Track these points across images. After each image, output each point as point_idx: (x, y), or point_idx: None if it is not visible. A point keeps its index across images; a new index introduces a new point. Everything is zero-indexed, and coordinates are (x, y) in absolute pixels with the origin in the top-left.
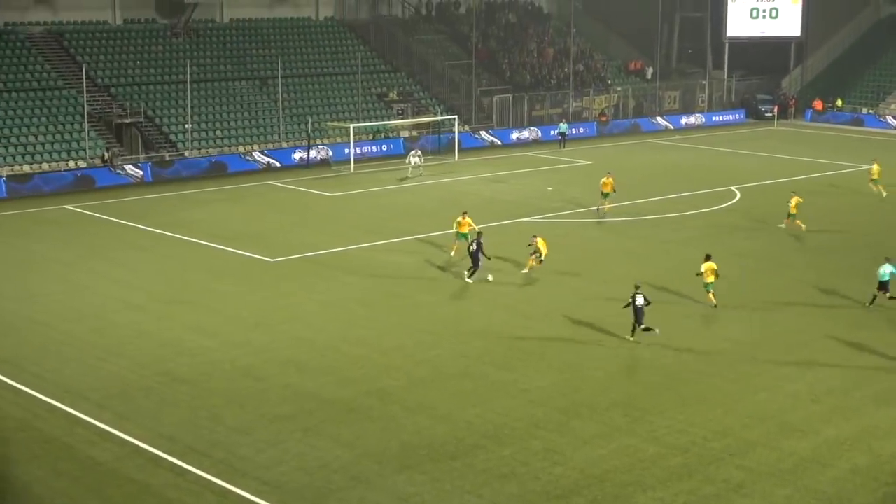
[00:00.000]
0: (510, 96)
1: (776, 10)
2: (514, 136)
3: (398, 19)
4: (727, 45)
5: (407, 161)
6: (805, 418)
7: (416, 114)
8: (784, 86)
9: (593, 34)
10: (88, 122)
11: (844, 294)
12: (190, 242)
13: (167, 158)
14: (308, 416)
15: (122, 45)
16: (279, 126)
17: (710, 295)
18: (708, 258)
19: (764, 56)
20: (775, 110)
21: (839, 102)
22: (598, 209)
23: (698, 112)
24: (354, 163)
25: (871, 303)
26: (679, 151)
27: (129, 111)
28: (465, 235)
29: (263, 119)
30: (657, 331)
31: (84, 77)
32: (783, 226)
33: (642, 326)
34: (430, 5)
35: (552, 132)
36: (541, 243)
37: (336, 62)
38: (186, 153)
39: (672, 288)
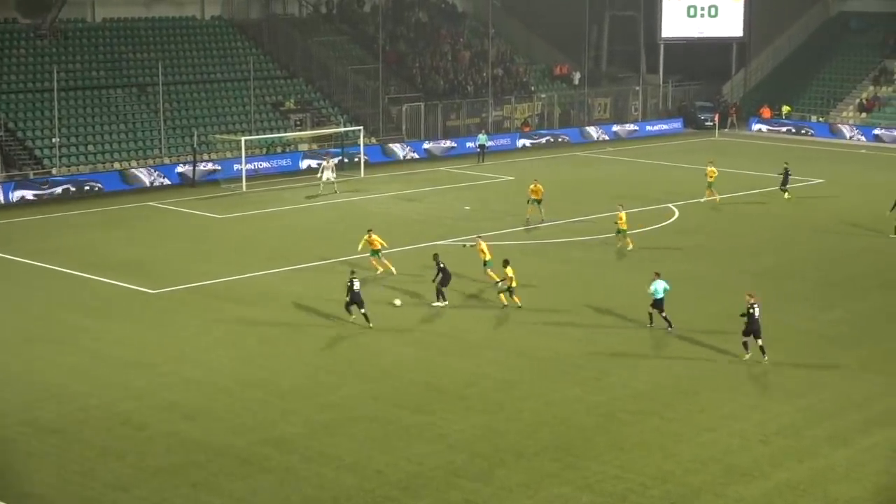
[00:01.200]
0: (422, 105)
1: (715, 7)
2: (426, 147)
3: (295, 19)
4: (662, 47)
5: (319, 175)
6: (754, 461)
7: (317, 125)
8: (725, 92)
9: (514, 35)
10: None
11: (789, 323)
12: (58, 272)
13: (31, 177)
14: (196, 468)
15: None
16: (161, 140)
17: (502, 296)
18: (506, 264)
19: (703, 59)
20: (716, 119)
21: (786, 109)
22: (528, 219)
23: (631, 121)
24: (247, 180)
25: (651, 322)
26: (611, 165)
27: None
28: (377, 252)
29: (143, 132)
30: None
31: None
32: (703, 200)
33: (663, 314)
34: (331, 3)
35: (468, 144)
36: (509, 272)
37: (225, 67)
38: (54, 171)
39: (605, 319)
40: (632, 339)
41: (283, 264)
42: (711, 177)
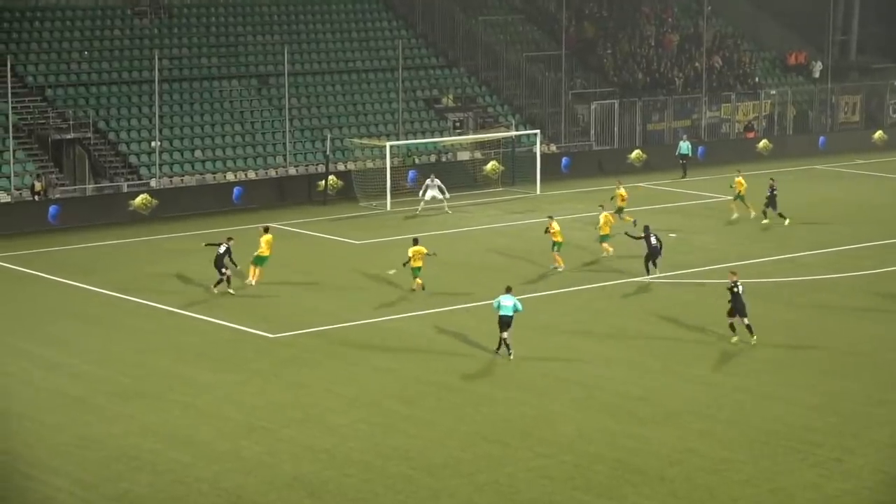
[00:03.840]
0: (616, 103)
1: None
2: (631, 156)
3: None
4: None
5: (422, 191)
6: None
7: (481, 126)
8: None
9: (736, 14)
10: (14, 138)
11: None
12: (153, 309)
13: (125, 189)
14: None
15: (63, 29)
16: (285, 143)
17: (417, 280)
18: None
19: None
20: None
21: None
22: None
23: (889, 126)
24: (392, 197)
25: (507, 351)
26: (861, 183)
27: (71, 123)
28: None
29: (263, 133)
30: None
31: (8, 74)
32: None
33: (745, 321)
34: None
35: (678, 153)
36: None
37: (367, 54)
38: (152, 182)
39: (855, 384)
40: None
41: (431, 304)
42: (740, 188)
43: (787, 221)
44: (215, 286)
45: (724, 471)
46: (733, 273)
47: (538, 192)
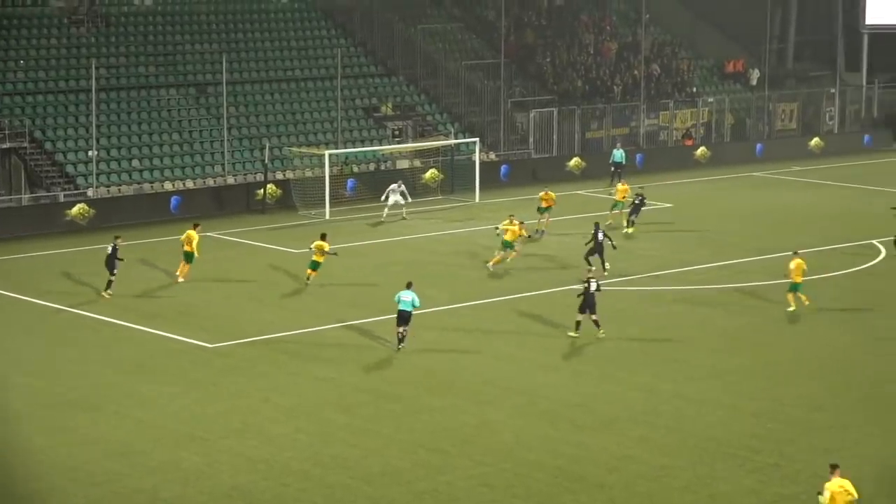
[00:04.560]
0: (555, 111)
1: None
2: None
3: (394, 2)
4: (866, 38)
5: (385, 196)
6: None
7: (421, 135)
8: None
9: (674, 23)
10: None
11: None
12: (91, 320)
13: (61, 199)
14: None
15: None
16: (223, 153)
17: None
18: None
19: None
20: None
21: None
22: (537, 231)
23: (825, 133)
24: (331, 206)
25: (399, 345)
26: (797, 189)
27: (7, 132)
28: (510, 244)
29: (201, 143)
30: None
31: None
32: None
33: (594, 317)
34: None
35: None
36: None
37: (306, 62)
38: (89, 192)
39: (790, 389)
40: (833, 413)
41: (373, 313)
42: (622, 196)
43: (630, 230)
44: (108, 289)
45: (663, 477)
46: (589, 270)
47: (477, 199)
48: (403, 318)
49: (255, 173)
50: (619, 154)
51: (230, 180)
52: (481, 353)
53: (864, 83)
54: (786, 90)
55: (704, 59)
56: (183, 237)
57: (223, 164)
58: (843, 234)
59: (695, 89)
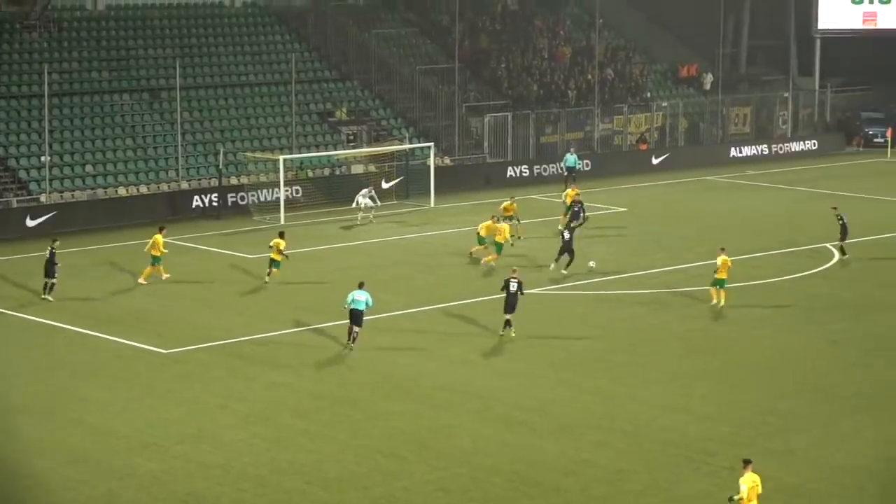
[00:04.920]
0: (509, 115)
1: None
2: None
3: (349, 7)
4: (819, 42)
5: (355, 202)
6: None
7: (375, 140)
8: None
9: (628, 27)
10: None
11: None
12: (46, 326)
13: (14, 205)
14: None
15: None
16: (177, 158)
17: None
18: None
19: (872, 57)
20: (888, 135)
21: None
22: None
23: (778, 137)
24: (286, 210)
25: (349, 342)
26: (752, 194)
27: None
28: (499, 246)
29: (155, 148)
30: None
31: None
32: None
33: (507, 316)
34: None
35: (564, 165)
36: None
37: (259, 67)
38: (42, 197)
39: (743, 394)
40: (787, 417)
41: (328, 317)
42: (509, 211)
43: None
44: (48, 293)
45: (619, 481)
46: (514, 270)
47: (432, 204)
48: (356, 317)
49: (209, 178)
50: (572, 159)
51: (184, 185)
52: (438, 358)
53: (817, 87)
54: (739, 94)
55: (658, 64)
56: (150, 241)
57: (177, 170)
58: (796, 238)
59: (649, 94)
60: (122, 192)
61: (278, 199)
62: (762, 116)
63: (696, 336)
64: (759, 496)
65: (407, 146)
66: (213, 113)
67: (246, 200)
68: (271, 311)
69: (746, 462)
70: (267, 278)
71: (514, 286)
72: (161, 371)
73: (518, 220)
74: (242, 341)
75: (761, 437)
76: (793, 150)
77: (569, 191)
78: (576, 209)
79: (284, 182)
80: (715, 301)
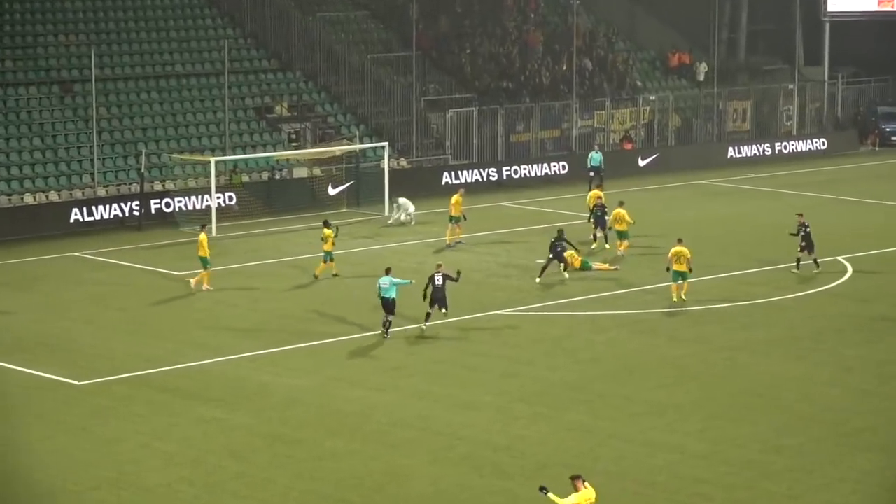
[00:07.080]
0: (475, 110)
1: None
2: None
3: None
4: (828, 27)
5: (392, 216)
6: None
7: (321, 139)
8: None
9: (610, 9)
10: None
11: None
12: None
13: None
14: None
15: None
16: (93, 160)
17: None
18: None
19: (888, 45)
20: None
21: None
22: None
23: (783, 135)
24: (217, 220)
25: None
26: (753, 200)
27: None
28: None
29: (66, 148)
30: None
31: None
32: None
33: (443, 311)
34: None
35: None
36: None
37: (188, 56)
38: None
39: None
40: (794, 455)
41: (266, 344)
42: (593, 203)
43: (594, 246)
44: None
45: None
46: (439, 265)
47: (387, 213)
48: (387, 305)
49: (130, 184)
50: (597, 157)
51: (100, 192)
52: (393, 390)
53: (826, 78)
54: (738, 86)
55: (644, 51)
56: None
57: (92, 174)
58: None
59: (637, 85)
60: (28, 199)
61: (209, 207)
62: (764, 111)
63: (688, 362)
64: None
65: (357, 146)
66: (133, 108)
67: (171, 209)
68: (200, 337)
69: (575, 477)
70: (335, 271)
71: (439, 280)
72: (74, 406)
73: (464, 219)
74: (167, 371)
75: (764, 478)
76: (799, 149)
77: (593, 192)
78: (598, 213)
79: (216, 188)
80: (675, 299)
